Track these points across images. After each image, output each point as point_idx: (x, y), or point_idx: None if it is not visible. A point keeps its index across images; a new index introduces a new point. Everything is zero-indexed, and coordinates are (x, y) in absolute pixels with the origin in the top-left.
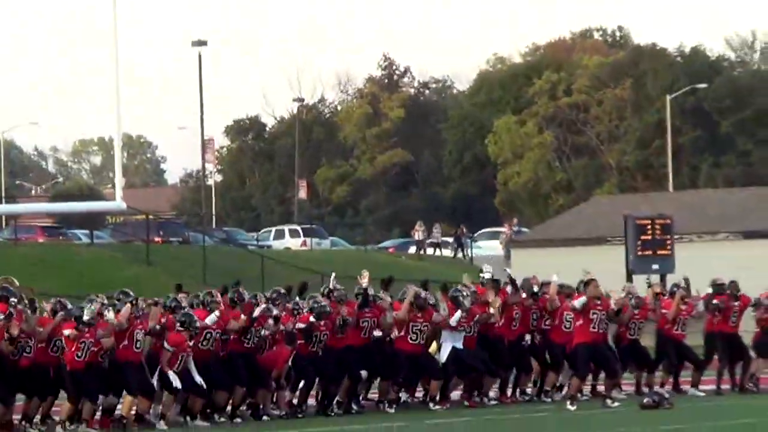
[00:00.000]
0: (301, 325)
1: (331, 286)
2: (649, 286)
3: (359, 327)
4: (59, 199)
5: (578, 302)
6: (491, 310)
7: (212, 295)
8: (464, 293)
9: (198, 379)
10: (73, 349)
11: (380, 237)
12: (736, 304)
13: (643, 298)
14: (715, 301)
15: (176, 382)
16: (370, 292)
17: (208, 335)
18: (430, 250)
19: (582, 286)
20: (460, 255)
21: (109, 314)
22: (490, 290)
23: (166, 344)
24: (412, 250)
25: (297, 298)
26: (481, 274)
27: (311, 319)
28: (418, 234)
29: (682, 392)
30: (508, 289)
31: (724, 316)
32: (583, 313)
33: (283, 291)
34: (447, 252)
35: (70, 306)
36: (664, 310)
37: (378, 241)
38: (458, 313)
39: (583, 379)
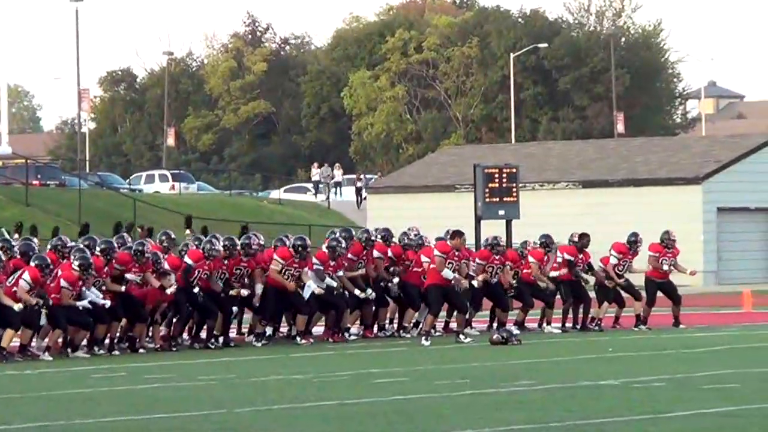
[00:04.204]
0: (189, 261)
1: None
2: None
3: (233, 272)
4: None
5: (446, 272)
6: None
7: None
8: (343, 244)
9: (91, 300)
10: None
11: (243, 182)
12: (581, 257)
13: (505, 247)
14: (566, 256)
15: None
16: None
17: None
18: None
19: (448, 237)
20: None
21: None
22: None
23: (63, 282)
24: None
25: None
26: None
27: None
28: (317, 175)
29: (527, 330)
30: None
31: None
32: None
33: (173, 236)
34: (307, 197)
35: None
36: (530, 258)
37: (240, 187)
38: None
39: (436, 316)
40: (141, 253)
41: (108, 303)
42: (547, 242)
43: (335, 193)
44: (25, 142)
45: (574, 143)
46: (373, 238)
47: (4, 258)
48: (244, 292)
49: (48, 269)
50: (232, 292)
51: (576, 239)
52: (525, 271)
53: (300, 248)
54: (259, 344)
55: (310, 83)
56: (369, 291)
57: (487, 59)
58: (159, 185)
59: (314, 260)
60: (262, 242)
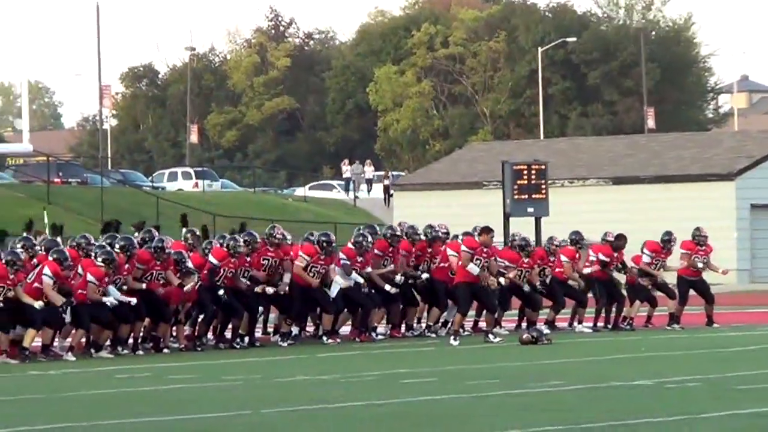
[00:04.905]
0: (213, 260)
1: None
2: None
3: (260, 264)
4: None
5: (471, 267)
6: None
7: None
8: (369, 239)
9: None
10: None
11: (267, 179)
12: (615, 255)
13: (534, 248)
14: (601, 256)
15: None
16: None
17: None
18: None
19: (477, 233)
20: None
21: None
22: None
23: (90, 276)
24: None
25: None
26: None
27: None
28: (348, 172)
29: (557, 329)
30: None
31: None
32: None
33: (198, 233)
34: (332, 194)
35: None
36: (562, 257)
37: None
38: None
39: (464, 315)
40: (161, 249)
41: (134, 300)
42: (577, 239)
43: (367, 191)
44: (46, 139)
45: (604, 139)
46: (398, 233)
47: (24, 256)
48: (270, 290)
49: (67, 262)
50: (257, 289)
51: (611, 238)
52: (557, 269)
53: (325, 243)
54: (285, 344)
55: (335, 79)
56: (398, 277)
57: (514, 54)
58: (182, 183)
59: (341, 255)
60: (287, 236)
